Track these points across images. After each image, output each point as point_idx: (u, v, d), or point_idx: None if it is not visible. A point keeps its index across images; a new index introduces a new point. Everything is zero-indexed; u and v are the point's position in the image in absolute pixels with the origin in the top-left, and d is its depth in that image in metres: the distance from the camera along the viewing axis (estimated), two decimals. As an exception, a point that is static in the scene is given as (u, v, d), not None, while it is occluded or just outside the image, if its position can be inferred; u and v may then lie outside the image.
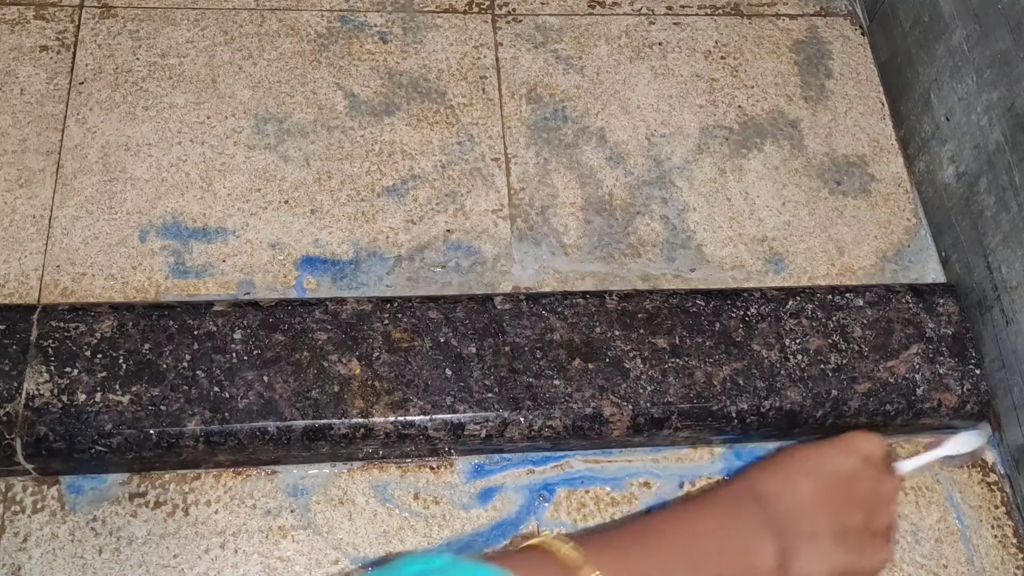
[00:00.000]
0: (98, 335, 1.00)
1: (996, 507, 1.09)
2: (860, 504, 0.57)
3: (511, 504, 1.03)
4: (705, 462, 1.08)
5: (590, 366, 1.03)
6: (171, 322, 1.01)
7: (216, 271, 1.12)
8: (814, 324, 1.09)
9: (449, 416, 0.99)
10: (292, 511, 1.00)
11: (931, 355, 1.09)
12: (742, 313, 1.09)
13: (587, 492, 1.05)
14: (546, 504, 1.04)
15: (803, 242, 1.22)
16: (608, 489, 1.06)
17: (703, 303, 1.09)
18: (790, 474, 0.57)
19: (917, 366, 1.08)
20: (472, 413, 1.00)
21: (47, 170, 1.16)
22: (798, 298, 1.11)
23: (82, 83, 1.22)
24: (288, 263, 1.13)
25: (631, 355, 1.05)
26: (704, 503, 0.55)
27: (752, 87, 1.33)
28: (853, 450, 0.59)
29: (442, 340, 1.03)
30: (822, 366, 1.07)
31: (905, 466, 0.67)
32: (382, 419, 0.98)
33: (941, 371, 1.08)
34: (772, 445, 1.11)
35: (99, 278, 1.10)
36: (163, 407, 0.96)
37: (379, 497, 1.02)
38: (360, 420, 0.98)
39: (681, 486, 1.06)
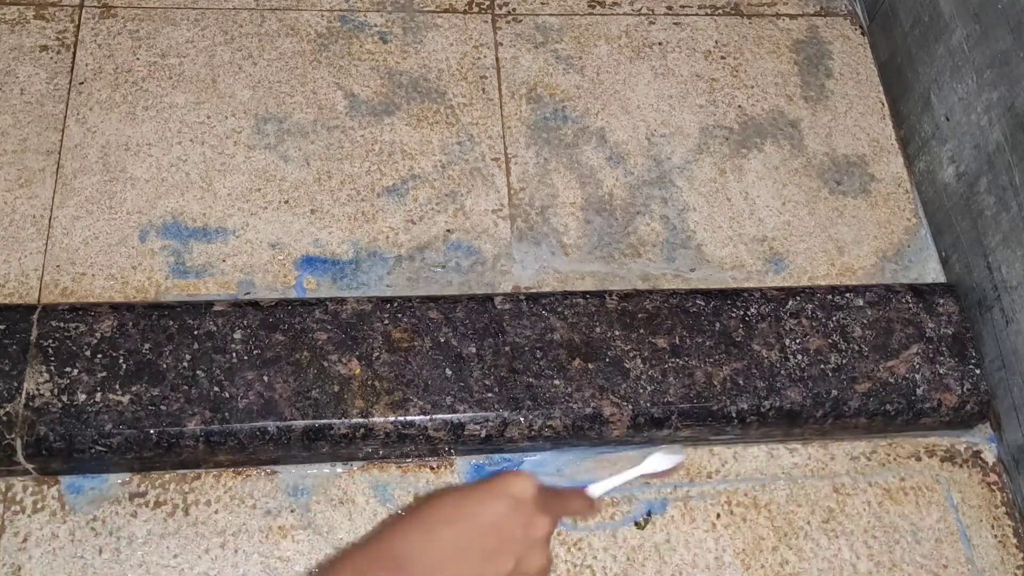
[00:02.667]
0: (98, 335, 1.00)
1: (996, 507, 1.09)
2: (509, 549, 0.54)
3: (511, 504, 1.03)
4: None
5: (590, 366, 1.03)
6: (171, 322, 1.01)
7: (216, 271, 1.12)
8: (814, 324, 1.09)
9: (449, 416, 0.99)
10: (292, 511, 1.00)
11: (931, 355, 1.09)
12: (742, 313, 1.09)
13: (587, 492, 1.05)
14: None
15: (803, 242, 1.22)
16: (608, 489, 1.06)
17: (703, 303, 1.09)
18: (432, 526, 0.53)
19: (917, 366, 1.08)
20: (472, 413, 1.00)
21: (47, 170, 1.16)
22: (798, 298, 1.11)
23: (82, 83, 1.22)
24: (288, 263, 1.13)
25: (631, 355, 1.05)
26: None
27: (752, 87, 1.33)
28: (501, 493, 0.56)
29: (442, 340, 1.03)
30: (822, 366, 1.06)
31: (597, 489, 0.65)
32: (382, 419, 0.98)
33: (941, 371, 1.08)
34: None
35: (99, 278, 1.10)
36: (163, 407, 0.96)
37: (379, 497, 1.02)
38: (360, 420, 0.98)
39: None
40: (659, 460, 0.73)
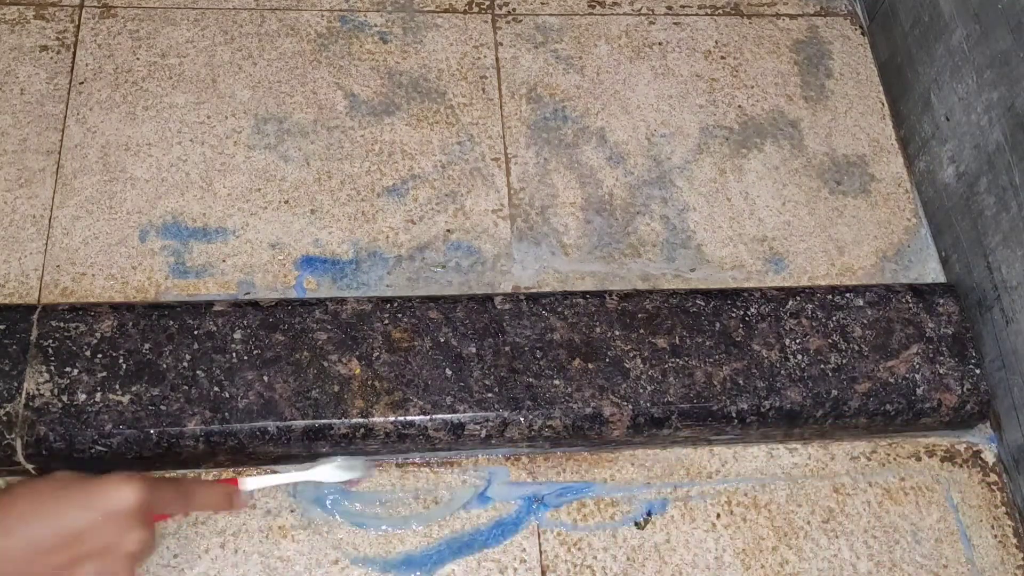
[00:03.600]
0: (98, 335, 1.00)
1: (996, 507, 1.09)
2: (88, 560, 0.51)
3: (511, 504, 1.03)
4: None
5: (590, 366, 1.03)
6: (171, 322, 1.01)
7: (216, 271, 1.12)
8: (814, 324, 1.09)
9: (449, 416, 1.00)
10: (292, 511, 1.00)
11: (931, 355, 1.09)
12: (742, 313, 1.09)
13: (587, 492, 1.05)
14: (546, 505, 1.04)
15: (803, 242, 1.22)
16: (608, 489, 1.06)
17: (703, 303, 1.09)
18: (9, 519, 0.50)
19: (917, 366, 1.08)
20: (472, 413, 1.00)
21: (47, 170, 1.16)
22: (798, 298, 1.11)
23: (82, 83, 1.22)
24: (288, 263, 1.13)
25: (631, 355, 1.05)
26: None
27: (752, 87, 1.33)
28: (93, 504, 0.53)
29: (442, 340, 1.03)
30: (822, 366, 1.07)
31: (249, 483, 0.63)
32: (382, 419, 0.98)
33: (941, 371, 1.08)
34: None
35: (99, 278, 1.10)
36: (163, 407, 0.96)
37: (379, 497, 1.02)
38: (360, 420, 0.98)
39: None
40: (330, 471, 0.70)
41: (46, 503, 0.52)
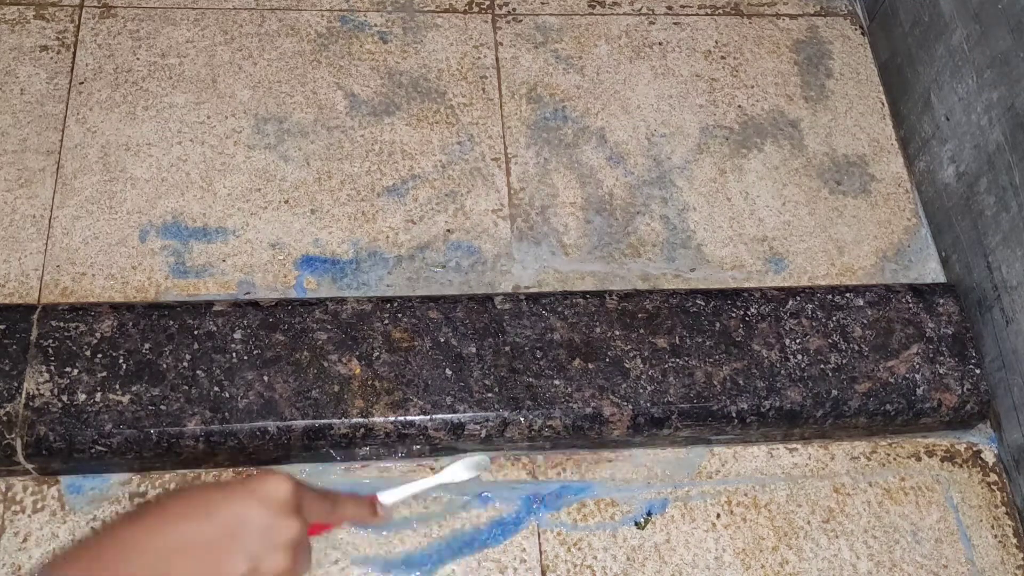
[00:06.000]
0: (98, 335, 1.00)
1: (996, 507, 1.09)
2: (243, 550, 0.52)
3: (511, 504, 1.03)
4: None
5: (590, 366, 1.03)
6: (171, 322, 1.01)
7: (216, 271, 1.12)
8: (814, 324, 1.09)
9: (449, 416, 0.99)
10: (292, 511, 1.00)
11: (931, 355, 1.09)
12: (742, 313, 1.09)
13: (587, 492, 1.05)
14: (546, 505, 1.03)
15: (803, 242, 1.22)
16: (608, 489, 1.06)
17: (703, 303, 1.09)
18: (167, 519, 0.52)
19: (917, 366, 1.08)
20: (472, 413, 1.00)
21: (47, 170, 1.16)
22: (798, 298, 1.11)
23: (82, 83, 1.22)
24: (288, 263, 1.13)
25: (631, 355, 1.05)
26: (65, 561, 0.50)
27: (752, 87, 1.33)
28: (248, 492, 0.54)
29: (442, 340, 1.03)
30: (822, 366, 1.06)
31: (388, 496, 0.65)
32: (382, 419, 0.98)
33: (941, 371, 1.08)
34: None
35: (99, 278, 1.10)
36: (163, 407, 0.96)
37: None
38: (360, 420, 0.98)
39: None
40: (458, 471, 0.74)
41: (201, 499, 0.54)
